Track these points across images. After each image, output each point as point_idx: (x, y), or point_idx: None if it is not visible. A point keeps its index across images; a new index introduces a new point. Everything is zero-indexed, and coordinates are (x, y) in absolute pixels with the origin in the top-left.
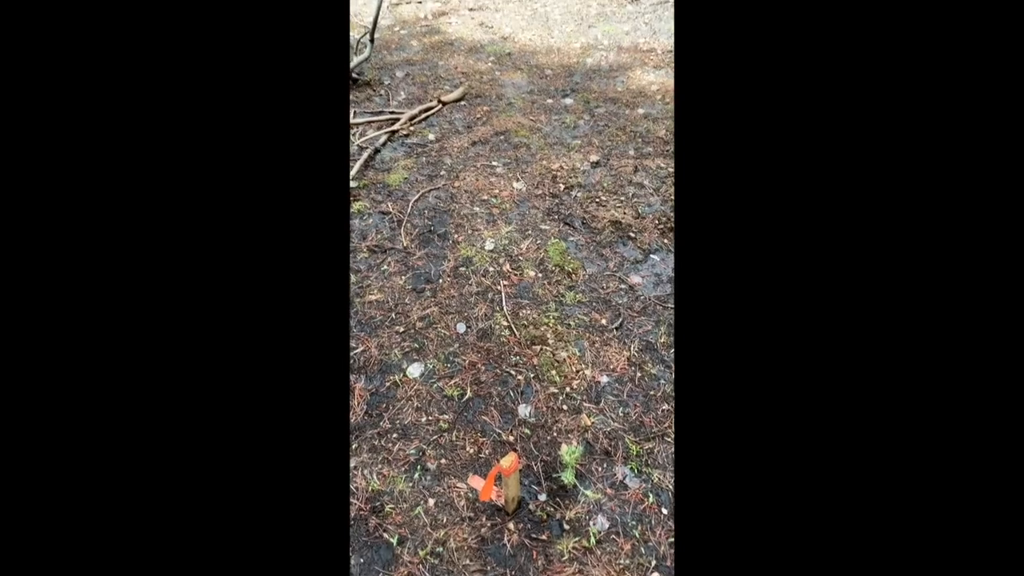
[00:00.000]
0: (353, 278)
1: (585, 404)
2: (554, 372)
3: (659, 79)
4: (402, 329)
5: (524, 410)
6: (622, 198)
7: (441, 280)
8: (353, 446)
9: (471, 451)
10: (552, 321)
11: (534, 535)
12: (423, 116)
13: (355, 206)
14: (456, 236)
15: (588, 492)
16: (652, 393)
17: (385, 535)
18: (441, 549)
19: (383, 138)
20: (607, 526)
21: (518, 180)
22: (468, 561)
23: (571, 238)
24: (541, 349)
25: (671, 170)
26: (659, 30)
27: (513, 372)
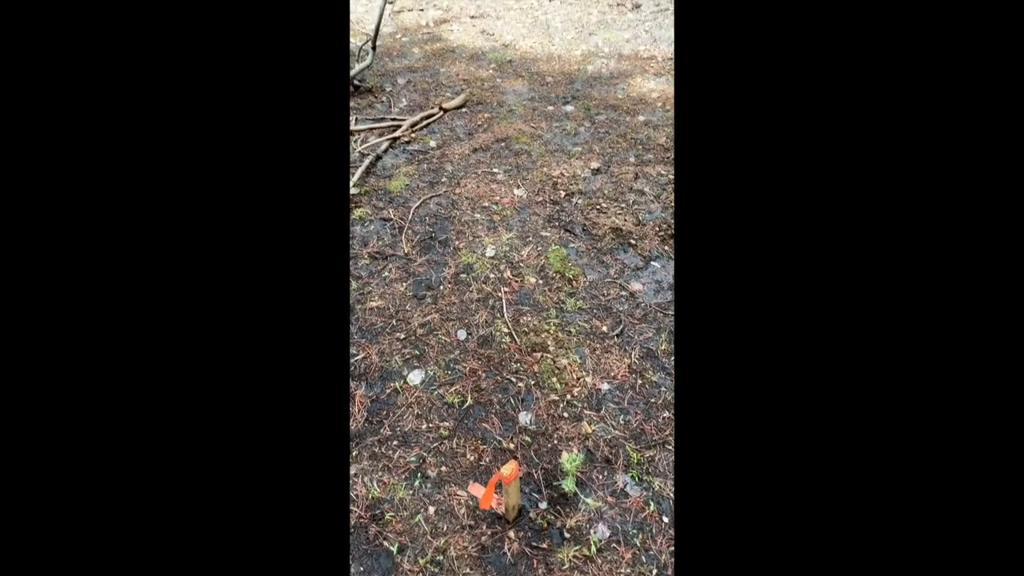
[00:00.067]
0: (354, 285)
1: (586, 411)
2: (555, 379)
3: (659, 86)
4: (403, 336)
5: (525, 417)
6: (623, 205)
7: (442, 287)
8: (353, 453)
9: (471, 458)
10: (553, 328)
11: (535, 543)
12: (424, 123)
13: (356, 213)
14: (457, 243)
15: (589, 500)
16: (653, 401)
17: (385, 543)
18: (441, 557)
19: (385, 145)
20: (608, 535)
21: (519, 187)
22: (468, 570)
23: (572, 245)
24: (542, 356)
25: (671, 177)
26: (659, 38)
27: (514, 379)
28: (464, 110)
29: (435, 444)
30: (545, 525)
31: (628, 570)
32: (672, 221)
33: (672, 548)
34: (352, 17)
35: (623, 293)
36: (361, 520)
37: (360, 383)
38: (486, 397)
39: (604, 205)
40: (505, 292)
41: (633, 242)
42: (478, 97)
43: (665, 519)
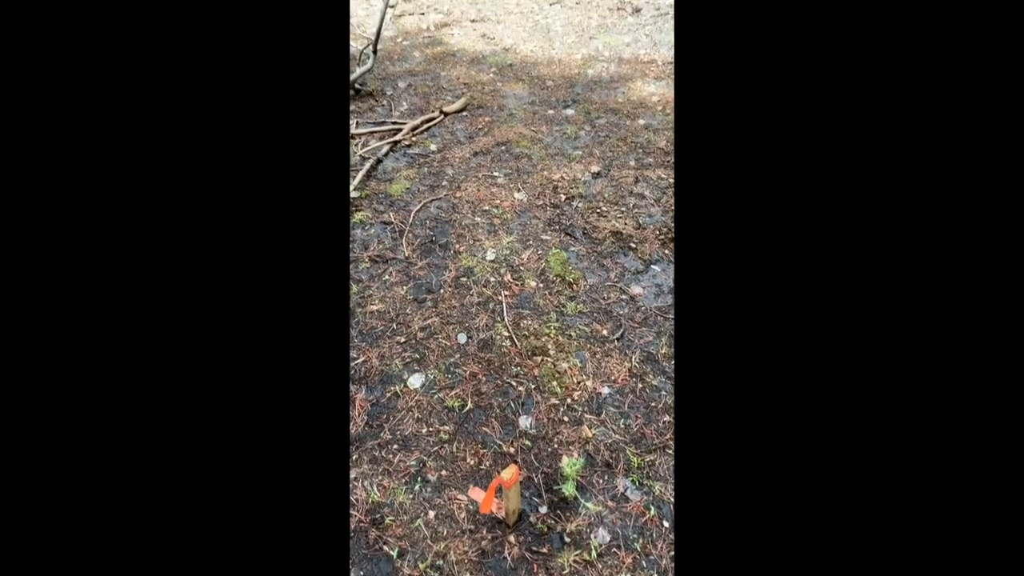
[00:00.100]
0: (355, 288)
1: (586, 415)
2: (555, 383)
3: (660, 90)
4: (403, 339)
5: (525, 421)
6: (623, 208)
7: (442, 290)
8: (353, 457)
9: (472, 463)
10: (553, 332)
11: (535, 548)
12: (425, 127)
13: (357, 216)
14: (457, 246)
15: (589, 504)
16: (653, 404)
17: (385, 548)
18: (441, 562)
19: (385, 148)
20: (608, 539)
21: (519, 190)
22: (469, 574)
23: (572, 248)
24: (542, 360)
25: (671, 181)
26: (659, 42)
27: (514, 383)
28: (465, 114)
29: (435, 448)
30: (545, 529)
31: (629, 575)
32: (672, 225)
33: (673, 553)
34: (353, 21)
35: (623, 297)
36: (361, 524)
37: (360, 387)
38: (486, 401)
39: (604, 209)
40: (505, 296)
41: (633, 246)
42: (479, 101)
43: (666, 523)
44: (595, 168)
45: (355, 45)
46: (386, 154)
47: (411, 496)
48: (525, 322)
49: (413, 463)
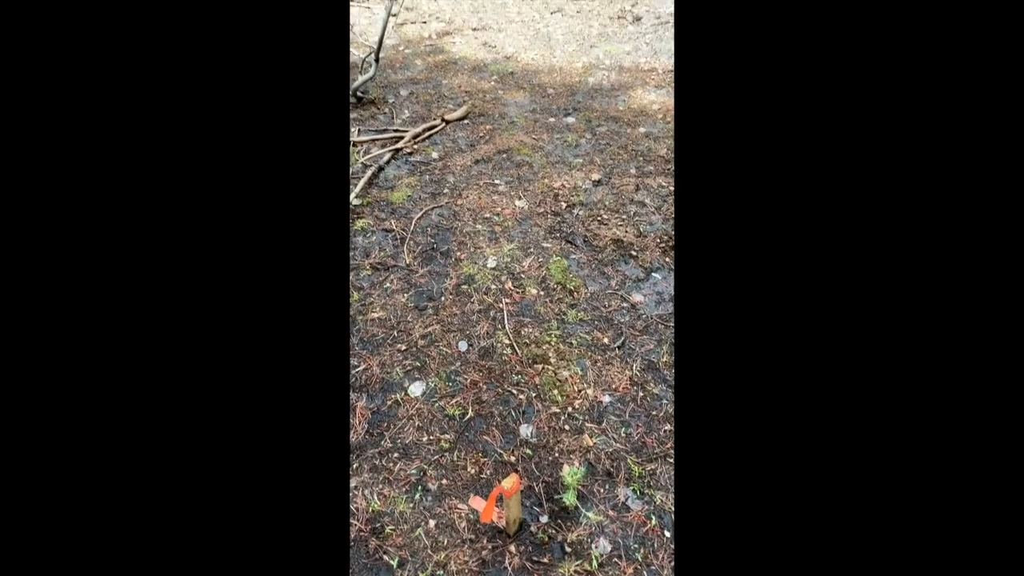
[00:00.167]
0: (356, 295)
1: (587, 424)
2: (556, 391)
3: (660, 98)
4: (404, 347)
5: (526, 430)
6: (624, 216)
7: (443, 298)
8: (353, 466)
9: (472, 471)
10: (554, 340)
11: (535, 558)
12: (427, 134)
13: (359, 224)
14: (458, 254)
15: (590, 514)
16: (654, 413)
17: (385, 557)
18: (442, 572)
19: (387, 156)
20: (609, 549)
21: (520, 198)
22: None
23: (573, 256)
24: (543, 368)
25: (672, 189)
26: (660, 50)
27: (515, 391)
28: (466, 122)
29: (436, 457)
30: (546, 539)
31: None
32: (673, 233)
33: (674, 563)
34: (356, 30)
35: (624, 305)
36: (361, 533)
37: (361, 395)
38: (487, 409)
39: (605, 216)
40: (506, 303)
41: (634, 253)
42: (480, 109)
43: (667, 533)
44: (596, 176)
45: (357, 53)
46: (388, 162)
47: (411, 505)
48: (526, 330)
49: (414, 472)
